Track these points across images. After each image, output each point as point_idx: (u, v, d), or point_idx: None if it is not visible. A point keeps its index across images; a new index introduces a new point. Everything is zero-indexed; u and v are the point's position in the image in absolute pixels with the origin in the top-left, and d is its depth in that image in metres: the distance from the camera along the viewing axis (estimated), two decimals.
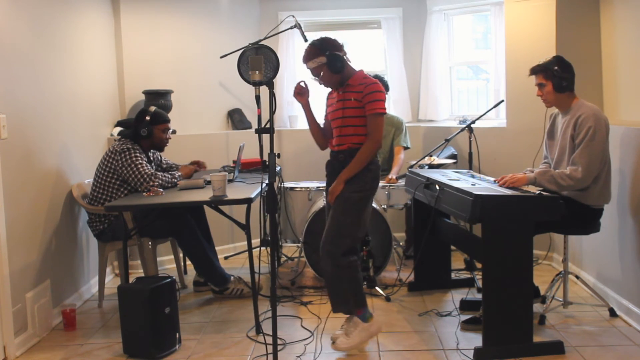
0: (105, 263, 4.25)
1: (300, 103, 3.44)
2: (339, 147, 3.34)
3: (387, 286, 4.32)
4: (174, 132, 5.06)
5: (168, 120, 4.25)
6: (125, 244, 3.76)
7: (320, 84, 3.38)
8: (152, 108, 4.24)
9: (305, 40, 5.22)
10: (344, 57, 3.30)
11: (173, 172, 4.22)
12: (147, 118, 4.14)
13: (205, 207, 4.30)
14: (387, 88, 5.16)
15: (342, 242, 3.24)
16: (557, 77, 3.48)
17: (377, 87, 3.27)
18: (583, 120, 3.38)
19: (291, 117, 5.91)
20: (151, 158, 4.31)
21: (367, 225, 3.39)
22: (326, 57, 3.25)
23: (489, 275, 3.17)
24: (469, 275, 4.44)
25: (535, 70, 3.57)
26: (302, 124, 5.97)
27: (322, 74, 3.31)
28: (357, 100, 3.26)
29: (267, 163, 3.09)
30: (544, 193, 3.23)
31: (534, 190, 3.27)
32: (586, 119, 3.37)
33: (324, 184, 4.88)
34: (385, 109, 3.29)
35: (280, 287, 4.37)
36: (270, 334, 3.05)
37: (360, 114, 3.26)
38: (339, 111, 3.31)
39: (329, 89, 3.46)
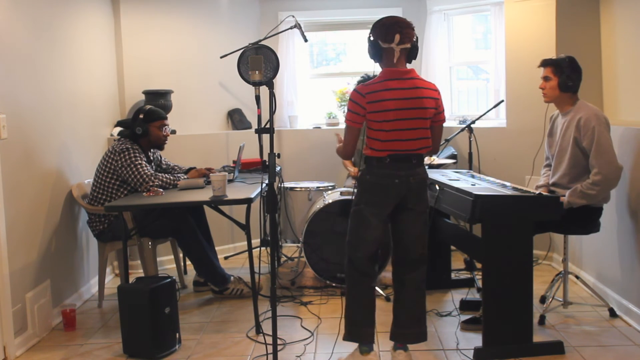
0: (105, 263, 4.25)
1: None
2: None
3: (387, 286, 4.32)
4: (173, 132, 5.06)
5: (164, 117, 4.23)
6: (125, 244, 3.75)
7: None
8: (147, 107, 4.25)
9: (306, 41, 5.22)
10: (381, 48, 3.02)
11: (177, 175, 4.22)
12: (141, 116, 4.14)
13: (205, 207, 4.30)
14: None
15: (347, 265, 3.19)
16: (565, 75, 3.49)
17: (351, 94, 3.06)
18: (585, 122, 3.39)
19: (291, 117, 5.91)
20: (151, 158, 4.30)
21: (371, 240, 3.11)
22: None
23: (489, 275, 3.17)
24: (469, 275, 4.44)
25: (546, 63, 3.59)
26: (302, 124, 5.97)
27: None
28: None
29: (267, 163, 3.09)
30: (544, 193, 3.24)
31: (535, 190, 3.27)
32: (588, 120, 3.39)
33: (324, 184, 4.92)
34: (348, 120, 3.04)
35: (280, 287, 4.37)
36: (270, 334, 3.05)
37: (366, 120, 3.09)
38: None
39: None
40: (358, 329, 3.20)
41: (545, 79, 3.58)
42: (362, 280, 3.16)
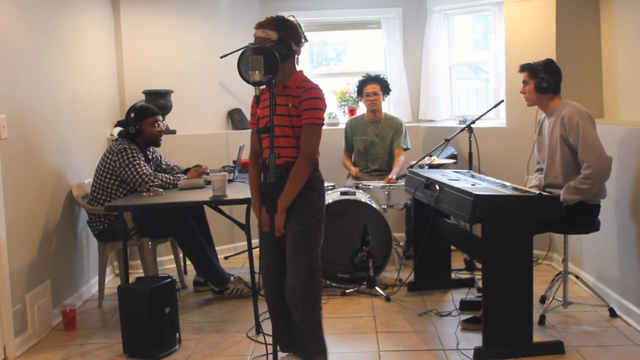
0: (105, 263, 4.25)
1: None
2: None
3: (387, 286, 4.32)
4: (173, 131, 5.06)
5: (155, 113, 4.21)
6: (125, 244, 3.76)
7: None
8: (138, 104, 4.24)
9: (306, 41, 5.20)
10: (293, 50, 2.96)
11: (177, 175, 4.21)
12: (132, 115, 4.13)
13: (205, 207, 4.30)
14: (388, 89, 5.15)
15: (317, 278, 2.89)
16: (539, 78, 3.58)
17: (316, 92, 2.88)
18: (569, 119, 3.45)
19: None
20: (149, 157, 4.30)
21: None
22: (278, 35, 2.93)
23: (489, 275, 3.17)
24: (469, 275, 4.44)
25: (523, 68, 3.68)
26: None
27: None
28: (294, 107, 2.90)
29: (267, 163, 3.09)
30: (544, 193, 3.24)
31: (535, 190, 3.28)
32: (571, 117, 3.45)
33: (324, 184, 4.90)
34: (323, 119, 2.87)
35: None
36: (270, 334, 3.04)
37: (298, 124, 2.89)
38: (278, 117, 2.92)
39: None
40: None
41: (524, 83, 3.67)
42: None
